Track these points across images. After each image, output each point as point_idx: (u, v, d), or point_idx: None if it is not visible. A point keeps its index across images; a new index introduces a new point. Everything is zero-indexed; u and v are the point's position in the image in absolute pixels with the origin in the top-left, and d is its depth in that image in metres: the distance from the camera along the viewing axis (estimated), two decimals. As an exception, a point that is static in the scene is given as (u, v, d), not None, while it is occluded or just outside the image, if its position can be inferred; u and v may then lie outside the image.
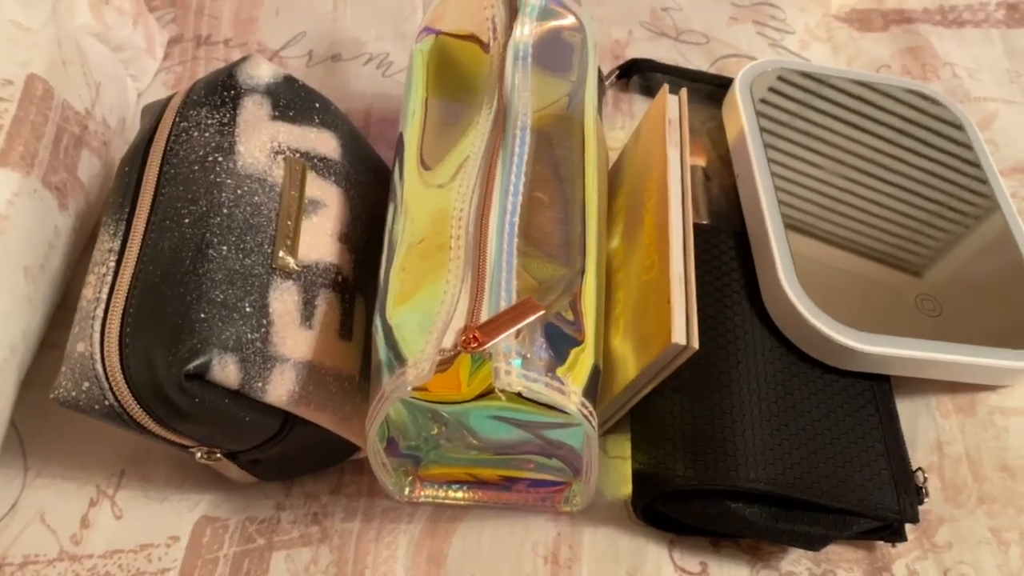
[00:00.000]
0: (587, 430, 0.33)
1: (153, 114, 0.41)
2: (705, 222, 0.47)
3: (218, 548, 0.40)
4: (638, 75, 0.58)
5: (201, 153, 0.38)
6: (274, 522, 0.41)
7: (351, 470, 0.43)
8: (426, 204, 0.37)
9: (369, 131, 0.55)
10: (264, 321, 0.35)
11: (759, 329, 0.42)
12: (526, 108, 0.39)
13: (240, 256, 0.36)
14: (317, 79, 0.57)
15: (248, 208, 0.37)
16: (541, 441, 0.37)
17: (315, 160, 0.40)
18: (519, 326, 0.31)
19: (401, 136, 0.41)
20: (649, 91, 0.58)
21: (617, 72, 0.57)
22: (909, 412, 0.44)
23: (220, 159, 0.38)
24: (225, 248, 0.36)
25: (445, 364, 0.31)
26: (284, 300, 0.36)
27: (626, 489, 0.41)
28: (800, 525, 0.38)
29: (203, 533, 0.41)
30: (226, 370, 0.33)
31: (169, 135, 0.39)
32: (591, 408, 0.33)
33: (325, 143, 0.41)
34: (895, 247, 0.46)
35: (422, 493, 0.41)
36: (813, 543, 0.38)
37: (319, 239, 0.39)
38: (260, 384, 0.34)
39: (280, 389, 0.35)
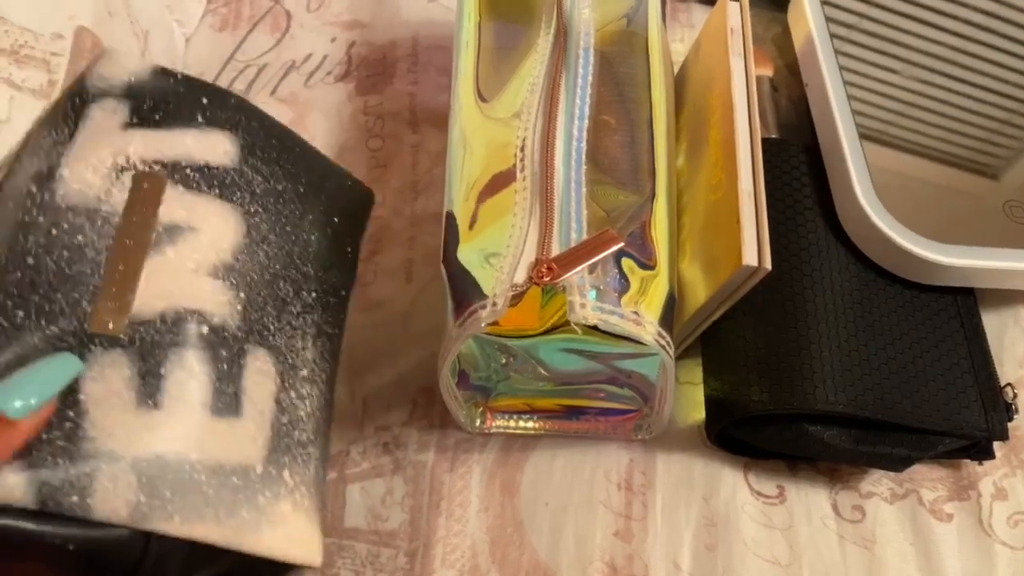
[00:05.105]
0: (664, 360, 0.32)
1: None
2: (774, 135, 0.45)
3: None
4: (695, -18, 0.54)
5: (22, 185, 0.30)
6: (343, 455, 0.42)
7: (422, 403, 0.43)
8: (487, 137, 0.35)
9: (418, 59, 0.53)
10: (70, 413, 0.27)
11: (834, 246, 0.40)
12: (587, 26, 0.37)
13: (41, 324, 0.28)
14: (367, 10, 0.55)
15: (64, 253, 0.29)
16: (612, 371, 0.36)
17: (186, 171, 0.32)
18: (596, 259, 0.30)
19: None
20: (708, -1, 0.55)
21: (673, -20, 0.54)
22: (996, 325, 0.42)
23: (34, 190, 0.30)
24: (21, 314, 0.28)
25: (516, 299, 0.30)
26: (105, 377, 0.28)
27: (697, 414, 0.41)
28: (882, 447, 0.37)
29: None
30: (5, 483, 0.25)
31: (12, 164, 0.32)
32: (668, 338, 0.32)
33: (210, 147, 0.33)
34: (979, 151, 0.43)
35: (493, 424, 0.41)
36: (896, 464, 0.38)
37: (174, 280, 0.30)
38: (75, 498, 0.26)
39: (115, 500, 0.26)
